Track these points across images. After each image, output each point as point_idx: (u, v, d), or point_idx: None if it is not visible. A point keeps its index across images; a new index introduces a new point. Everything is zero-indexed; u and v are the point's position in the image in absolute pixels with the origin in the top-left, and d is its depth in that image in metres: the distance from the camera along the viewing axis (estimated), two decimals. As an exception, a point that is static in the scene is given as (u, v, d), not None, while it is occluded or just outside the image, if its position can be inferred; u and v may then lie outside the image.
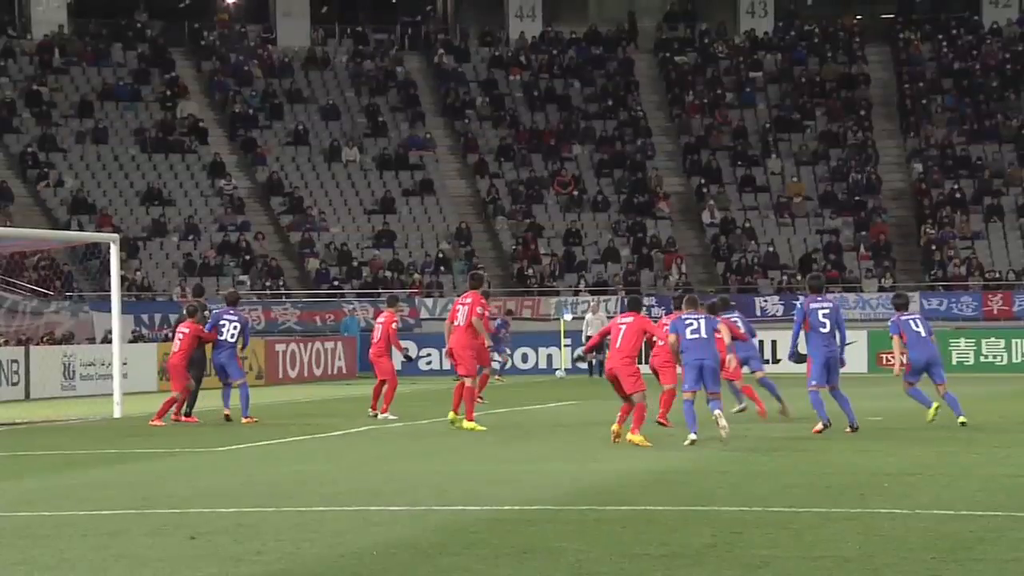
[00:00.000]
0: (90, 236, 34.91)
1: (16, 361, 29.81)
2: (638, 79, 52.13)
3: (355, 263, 44.94)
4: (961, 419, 18.92)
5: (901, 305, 19.52)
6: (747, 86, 51.34)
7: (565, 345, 38.10)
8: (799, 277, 44.26)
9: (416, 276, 44.46)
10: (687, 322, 17.13)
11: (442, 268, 45.04)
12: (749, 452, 16.38)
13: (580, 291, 43.25)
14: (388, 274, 44.17)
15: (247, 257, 44.43)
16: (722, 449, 16.57)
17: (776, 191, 47.99)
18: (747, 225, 46.36)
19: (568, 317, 36.27)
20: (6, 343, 32.86)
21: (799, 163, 48.84)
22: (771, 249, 45.53)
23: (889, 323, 19.41)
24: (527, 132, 50.17)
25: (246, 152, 48.94)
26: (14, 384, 29.53)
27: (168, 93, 49.54)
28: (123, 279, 34.77)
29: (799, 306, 18.77)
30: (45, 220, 44.17)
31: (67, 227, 42.47)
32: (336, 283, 44.16)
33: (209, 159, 47.88)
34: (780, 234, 46.58)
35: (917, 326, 19.05)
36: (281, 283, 43.66)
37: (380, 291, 41.61)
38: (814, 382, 18.26)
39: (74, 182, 46.06)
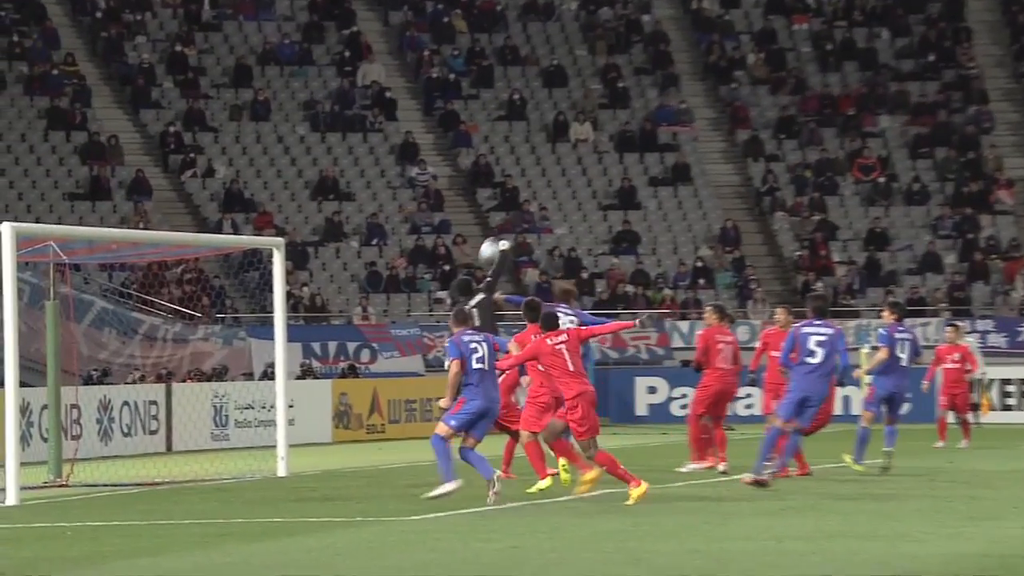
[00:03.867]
0: (247, 241, 35.85)
1: (155, 403, 30.66)
2: (971, 26, 51.26)
3: (587, 274, 45.19)
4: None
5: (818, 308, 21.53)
6: (1120, 32, 50.10)
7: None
8: None
9: (667, 292, 44.43)
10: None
11: (701, 280, 44.94)
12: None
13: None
14: (630, 289, 44.30)
15: (446, 267, 45.06)
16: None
17: None
18: (1120, 222, 45.29)
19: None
20: (142, 379, 33.93)
21: None
22: None
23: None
24: (816, 99, 49.76)
25: (446, 130, 49.68)
26: (152, 432, 30.42)
27: (347, 55, 50.62)
28: (289, 296, 35.65)
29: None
30: (191, 220, 45.56)
31: (218, 229, 43.71)
32: (562, 301, 44.41)
33: (398, 140, 48.75)
34: None
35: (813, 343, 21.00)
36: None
37: (620, 310, 41.76)
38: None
39: (227, 171, 47.40)
